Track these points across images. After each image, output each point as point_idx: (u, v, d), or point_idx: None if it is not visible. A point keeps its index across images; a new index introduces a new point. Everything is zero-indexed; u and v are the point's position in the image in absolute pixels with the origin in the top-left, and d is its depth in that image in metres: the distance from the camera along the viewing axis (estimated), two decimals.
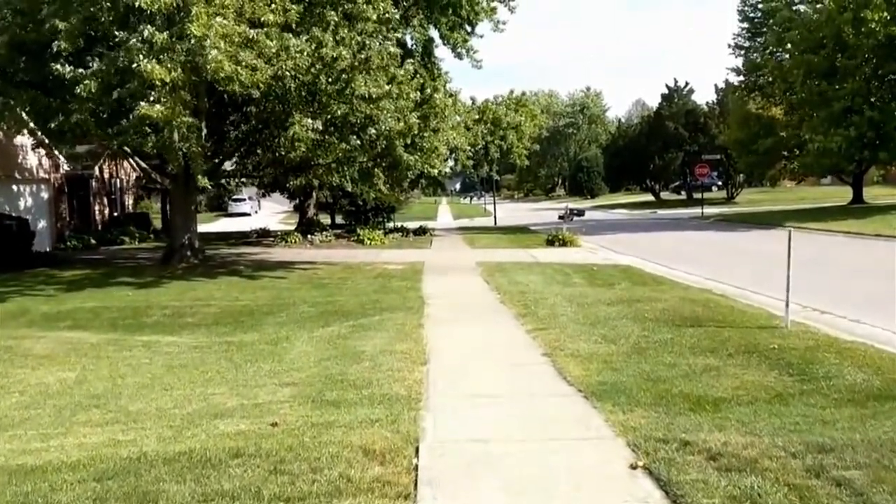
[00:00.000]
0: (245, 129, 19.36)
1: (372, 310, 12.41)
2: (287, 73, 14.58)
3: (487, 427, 5.97)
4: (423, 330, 10.42)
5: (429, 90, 18.60)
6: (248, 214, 63.25)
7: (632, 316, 11.17)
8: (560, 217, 30.22)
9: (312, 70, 15.07)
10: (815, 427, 5.78)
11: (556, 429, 5.91)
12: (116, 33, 14.79)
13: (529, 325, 10.62)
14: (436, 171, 19.17)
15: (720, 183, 69.52)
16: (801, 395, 6.70)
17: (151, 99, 13.59)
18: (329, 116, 15.80)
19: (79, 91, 13.64)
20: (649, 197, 74.23)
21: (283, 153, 18.74)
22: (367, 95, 15.48)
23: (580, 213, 34.66)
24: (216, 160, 20.40)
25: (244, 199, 66.11)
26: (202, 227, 45.92)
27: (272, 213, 66.83)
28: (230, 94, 18.57)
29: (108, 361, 9.08)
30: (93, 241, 28.49)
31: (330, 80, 15.40)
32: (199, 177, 17.47)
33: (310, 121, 15.11)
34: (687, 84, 69.99)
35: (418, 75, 18.92)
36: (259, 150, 20.08)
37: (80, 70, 14.21)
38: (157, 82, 13.31)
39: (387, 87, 15.75)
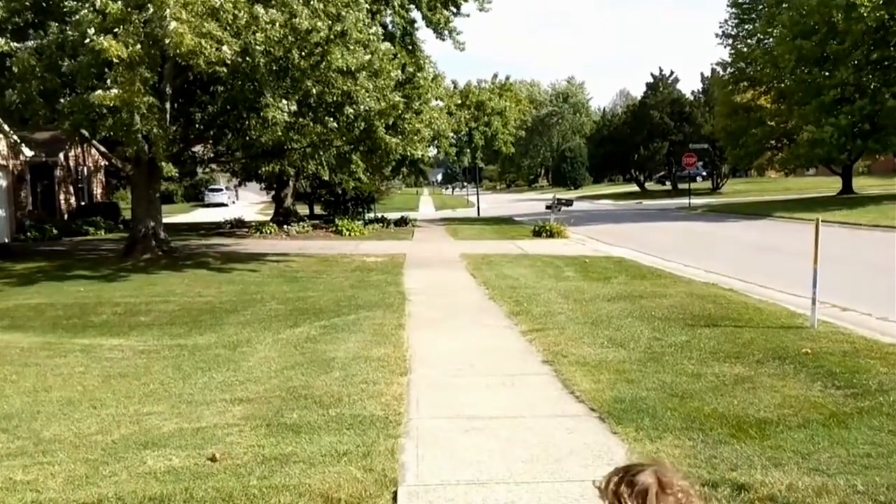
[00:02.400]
0: (212, 111, 17.90)
1: (347, 307, 11.15)
2: (257, 46, 13.16)
3: (485, 462, 4.75)
4: (403, 332, 9.19)
5: (411, 69, 17.28)
6: (226, 205, 61.67)
7: (637, 314, 10.02)
8: (547, 207, 29.07)
9: (284, 43, 13.68)
10: (894, 461, 4.62)
11: (572, 464, 4.70)
12: (66, 3, 13.40)
13: (524, 326, 9.41)
14: (418, 153, 17.83)
15: (704, 173, 68.63)
16: (861, 416, 5.54)
17: (108, 81, 12.16)
18: (300, 96, 14.39)
19: (9, 65, 12.22)
20: (633, 187, 73.25)
21: (254, 136, 17.38)
22: (344, 69, 14.09)
23: (568, 203, 33.28)
24: (182, 144, 18.96)
25: (221, 190, 64.47)
26: (177, 218, 44.58)
27: (250, 203, 65.22)
28: (197, 73, 17.22)
29: (36, 370, 7.77)
30: (55, 232, 26.90)
31: (303, 53, 14.02)
32: (163, 163, 16.09)
33: (285, 102, 13.72)
34: (672, 73, 68.78)
35: (398, 57, 17.63)
36: (228, 133, 18.63)
37: (17, 44, 12.78)
38: (114, 59, 11.90)
39: (366, 58, 14.36)
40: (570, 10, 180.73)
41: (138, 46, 12.14)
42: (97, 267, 16.97)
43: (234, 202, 65.14)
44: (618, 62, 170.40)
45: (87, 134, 17.38)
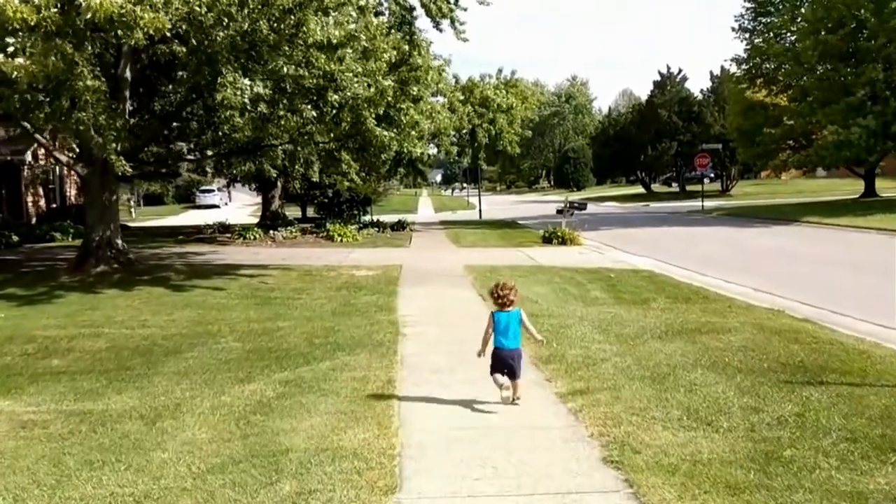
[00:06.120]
0: (175, 100, 15.34)
1: (323, 347, 8.59)
2: (198, 9, 10.51)
3: None
4: (394, 393, 6.64)
5: (406, 47, 14.71)
6: (217, 206, 59.50)
7: (706, 362, 7.50)
8: (558, 211, 26.48)
9: (248, 9, 11.09)
10: None
11: None
12: None
13: (561, 383, 6.86)
14: (417, 150, 15.28)
15: (713, 175, 66.16)
16: None
17: (10, 50, 9.66)
18: (272, 77, 11.80)
19: None
20: (639, 189, 70.84)
21: (225, 131, 14.86)
22: (324, 42, 11.47)
23: (582, 206, 30.22)
24: (144, 140, 16.40)
25: (213, 191, 62.08)
26: (164, 221, 42.11)
27: (243, 204, 62.80)
28: (152, 56, 14.75)
29: None
30: (15, 238, 24.32)
31: (274, 25, 11.44)
32: (115, 161, 13.56)
33: (246, 81, 11.18)
34: (680, 71, 66.67)
35: (392, 34, 15.13)
36: (196, 126, 16.05)
37: None
38: (16, 24, 9.38)
39: (351, 26, 11.79)
40: (570, 5, 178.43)
41: (53, 10, 9.56)
42: (36, 283, 14.39)
43: (226, 204, 62.87)
44: (618, 59, 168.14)
45: (28, 126, 14.85)
